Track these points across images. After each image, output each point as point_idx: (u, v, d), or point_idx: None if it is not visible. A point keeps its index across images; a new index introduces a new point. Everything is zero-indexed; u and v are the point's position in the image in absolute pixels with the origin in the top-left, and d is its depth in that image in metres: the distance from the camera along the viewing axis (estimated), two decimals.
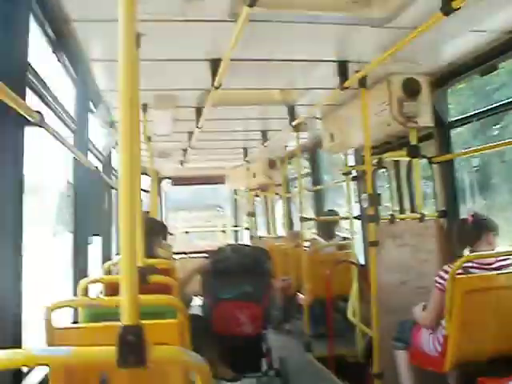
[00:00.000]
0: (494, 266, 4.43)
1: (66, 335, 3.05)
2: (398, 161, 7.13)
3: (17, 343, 3.11)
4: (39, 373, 3.50)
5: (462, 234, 4.58)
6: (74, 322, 4.82)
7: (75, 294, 4.94)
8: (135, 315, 1.53)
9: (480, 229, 4.51)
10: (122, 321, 1.53)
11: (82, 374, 2.91)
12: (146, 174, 8.21)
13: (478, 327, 4.27)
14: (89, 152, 5.86)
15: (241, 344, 5.78)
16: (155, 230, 5.34)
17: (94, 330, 3.07)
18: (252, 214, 12.55)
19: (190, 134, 8.09)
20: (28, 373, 3.45)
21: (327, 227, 8.58)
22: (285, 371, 5.93)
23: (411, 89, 5.44)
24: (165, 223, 7.14)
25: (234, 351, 5.77)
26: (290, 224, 11.36)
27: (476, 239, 4.49)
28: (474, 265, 4.38)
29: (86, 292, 4.02)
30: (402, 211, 7.00)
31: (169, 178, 13.95)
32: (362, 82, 5.17)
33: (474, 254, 4.42)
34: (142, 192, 10.53)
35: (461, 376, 4.78)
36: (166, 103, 6.18)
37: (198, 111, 6.78)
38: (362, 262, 7.63)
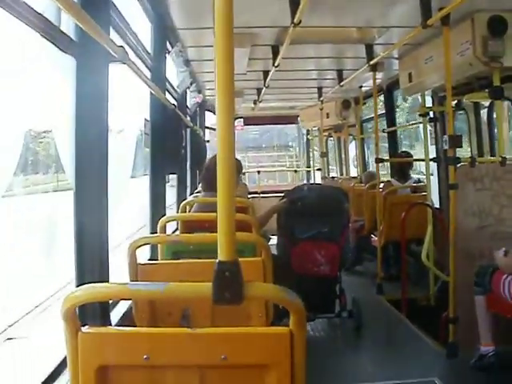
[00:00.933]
0: None
1: (149, 271, 3.11)
2: (477, 103, 6.93)
3: (104, 280, 3.18)
4: (123, 306, 3.59)
5: None
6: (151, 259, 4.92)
7: (153, 233, 5.02)
8: (232, 251, 1.54)
9: None
10: (218, 257, 1.54)
11: (165, 308, 2.97)
12: (213, 112, 8.21)
13: None
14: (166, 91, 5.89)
15: (317, 284, 5.81)
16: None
17: (179, 266, 3.12)
18: (325, 155, 12.46)
19: (266, 73, 8.01)
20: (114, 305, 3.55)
21: (401, 169, 8.46)
22: (358, 313, 5.96)
23: (497, 26, 5.21)
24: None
25: (310, 291, 5.78)
26: (363, 165, 11.25)
27: None
28: None
29: (163, 230, 4.07)
30: (480, 155, 6.83)
31: (241, 117, 13.93)
32: (445, 20, 4.98)
33: None
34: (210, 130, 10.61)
35: None
36: (244, 41, 6.11)
37: (275, 50, 6.69)
38: (437, 205, 7.53)
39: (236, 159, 5.56)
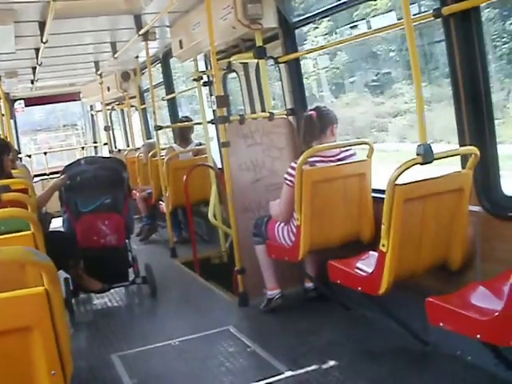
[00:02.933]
0: (338, 157, 4.67)
1: None
2: (247, 64, 7.20)
3: None
4: None
5: (308, 128, 4.74)
6: None
7: None
8: None
9: (324, 122, 4.71)
10: None
11: None
12: None
13: (327, 216, 4.55)
14: None
15: (106, 255, 5.86)
16: (1, 149, 5.14)
17: None
18: (109, 129, 12.36)
19: (37, 50, 7.79)
20: None
21: (182, 134, 8.60)
22: (151, 277, 6.08)
23: None
24: (13, 144, 6.92)
25: (100, 263, 5.84)
26: (147, 135, 11.31)
27: (321, 132, 4.68)
28: (320, 159, 4.60)
29: None
30: (253, 112, 7.13)
31: (21, 98, 13.44)
32: None
33: (319, 146, 4.62)
34: None
35: (314, 263, 5.11)
36: (6, 18, 5.91)
37: (41, 26, 6.52)
38: (220, 165, 7.78)
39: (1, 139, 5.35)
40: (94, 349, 4.90)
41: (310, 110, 4.80)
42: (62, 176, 5.84)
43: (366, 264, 3.96)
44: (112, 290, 6.18)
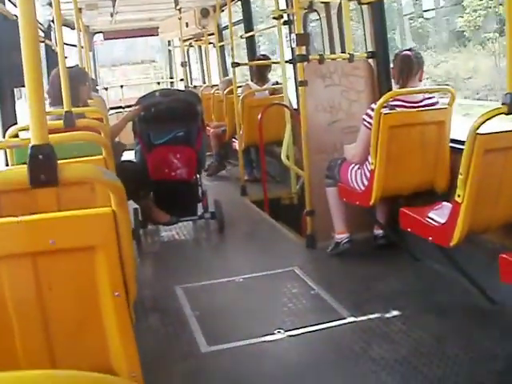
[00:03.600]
0: (421, 103, 4.52)
1: None
2: (329, 4, 7.01)
3: None
4: None
5: (405, 67, 4.55)
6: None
7: None
8: (44, 135, 1.55)
9: (418, 63, 4.56)
10: (31, 142, 1.55)
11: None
12: (70, 27, 7.92)
13: (402, 162, 4.44)
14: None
15: (176, 188, 5.88)
16: (77, 78, 5.16)
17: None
18: (185, 64, 12.32)
19: None
20: None
21: (260, 72, 8.50)
22: (220, 213, 6.09)
23: None
24: (95, 77, 6.96)
25: (170, 196, 5.88)
26: (224, 72, 11.25)
27: (412, 73, 4.52)
28: (401, 103, 4.47)
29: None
30: (332, 53, 6.97)
31: (100, 32, 13.53)
32: None
33: (400, 90, 4.49)
34: (69, 47, 10.24)
35: (385, 210, 5.02)
36: None
37: None
38: (295, 106, 7.69)
39: (79, 69, 5.36)
40: (158, 279, 4.98)
41: (405, 51, 4.63)
42: (137, 107, 5.85)
43: (438, 214, 3.85)
44: (180, 224, 6.24)
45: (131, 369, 1.94)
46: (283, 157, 6.87)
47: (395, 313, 3.98)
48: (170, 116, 5.78)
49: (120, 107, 12.79)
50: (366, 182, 4.58)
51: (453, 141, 4.53)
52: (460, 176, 3.40)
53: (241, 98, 7.93)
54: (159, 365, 3.50)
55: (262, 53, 9.45)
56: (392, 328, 3.78)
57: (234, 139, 8.56)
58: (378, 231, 5.15)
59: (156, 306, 4.37)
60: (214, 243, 6.11)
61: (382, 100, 4.27)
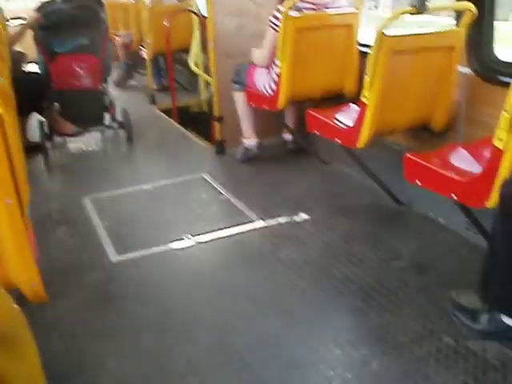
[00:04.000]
0: (329, 6, 4.46)
1: None
2: None
3: None
4: None
5: None
6: None
7: None
8: None
9: None
10: None
11: None
12: None
13: (310, 65, 4.41)
14: None
15: (81, 98, 5.69)
16: None
17: None
18: None
19: None
20: None
21: None
22: (128, 122, 5.95)
23: None
24: None
25: (75, 106, 5.69)
26: None
27: None
28: (310, 6, 4.39)
29: None
30: None
31: None
32: None
33: None
34: None
35: (294, 114, 5.02)
36: None
37: None
38: (205, 13, 7.49)
39: None
40: (66, 192, 4.86)
41: None
42: (36, 14, 5.56)
43: (345, 116, 3.85)
44: (88, 135, 6.08)
45: (30, 279, 1.89)
46: (191, 64, 6.73)
47: (304, 216, 4.03)
48: (71, 23, 5.52)
49: (20, 18, 12.17)
50: (273, 86, 4.52)
51: (362, 45, 4.51)
52: (366, 77, 3.39)
53: (148, 5, 7.65)
54: (68, 276, 3.46)
55: None
56: (301, 231, 3.84)
57: (141, 48, 8.31)
58: (288, 136, 5.16)
59: (64, 219, 4.27)
60: (122, 153, 5.99)
61: (290, 1, 4.18)
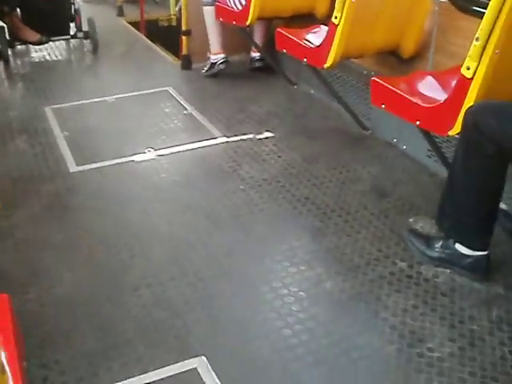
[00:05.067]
0: None
1: None
2: None
3: None
4: None
5: None
6: None
7: None
8: None
9: None
10: None
11: None
12: None
13: None
14: None
15: (46, 5, 5.53)
16: None
17: None
18: None
19: None
20: None
21: None
22: (93, 32, 5.78)
23: None
24: None
25: (38, 13, 5.53)
26: None
27: None
28: None
29: None
30: None
31: None
32: None
33: None
34: None
35: (262, 32, 4.94)
36: None
37: None
38: None
39: None
40: (27, 101, 4.75)
41: None
42: None
43: (315, 36, 3.76)
44: (52, 44, 5.92)
45: None
46: None
47: (267, 134, 4.00)
48: None
49: None
50: (243, 1, 4.42)
51: None
52: None
53: None
54: (27, 185, 3.42)
55: None
56: (263, 149, 3.82)
57: None
58: (255, 54, 5.06)
59: (24, 128, 4.18)
60: (87, 64, 5.84)
61: None
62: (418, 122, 2.84)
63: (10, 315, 1.26)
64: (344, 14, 3.31)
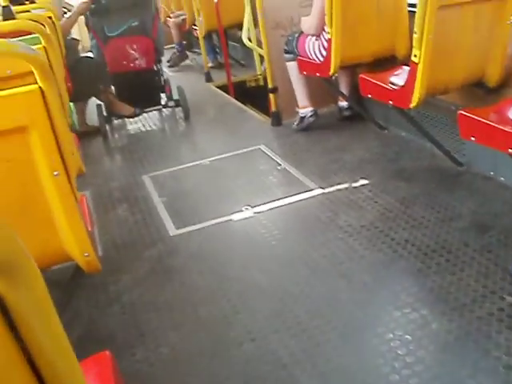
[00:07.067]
0: None
1: None
2: None
3: None
4: None
5: None
6: None
7: None
8: None
9: None
10: None
11: None
12: None
13: (359, 29, 4.34)
14: None
15: (137, 79, 5.79)
16: None
17: None
18: None
19: None
20: None
21: None
22: (184, 100, 6.00)
23: None
24: None
25: (131, 87, 5.79)
26: None
27: None
28: None
29: None
30: None
31: None
32: None
33: None
34: None
35: (347, 80, 4.97)
36: None
37: None
38: None
39: None
40: (126, 171, 4.95)
41: None
42: (87, 1, 5.64)
43: (398, 77, 3.77)
44: (146, 115, 6.19)
45: (82, 250, 1.93)
46: (244, 38, 6.71)
47: (362, 181, 3.99)
48: (122, 6, 5.60)
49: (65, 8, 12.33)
50: (324, 53, 4.47)
51: (411, 5, 4.40)
52: (415, 35, 3.32)
53: None
54: (130, 251, 3.54)
55: None
56: (359, 196, 3.80)
57: (194, 27, 8.33)
58: (343, 103, 5.10)
59: (124, 197, 4.37)
60: (180, 131, 6.05)
61: None
62: (510, 150, 2.78)
63: (112, 374, 1.28)
64: (423, 51, 3.31)
